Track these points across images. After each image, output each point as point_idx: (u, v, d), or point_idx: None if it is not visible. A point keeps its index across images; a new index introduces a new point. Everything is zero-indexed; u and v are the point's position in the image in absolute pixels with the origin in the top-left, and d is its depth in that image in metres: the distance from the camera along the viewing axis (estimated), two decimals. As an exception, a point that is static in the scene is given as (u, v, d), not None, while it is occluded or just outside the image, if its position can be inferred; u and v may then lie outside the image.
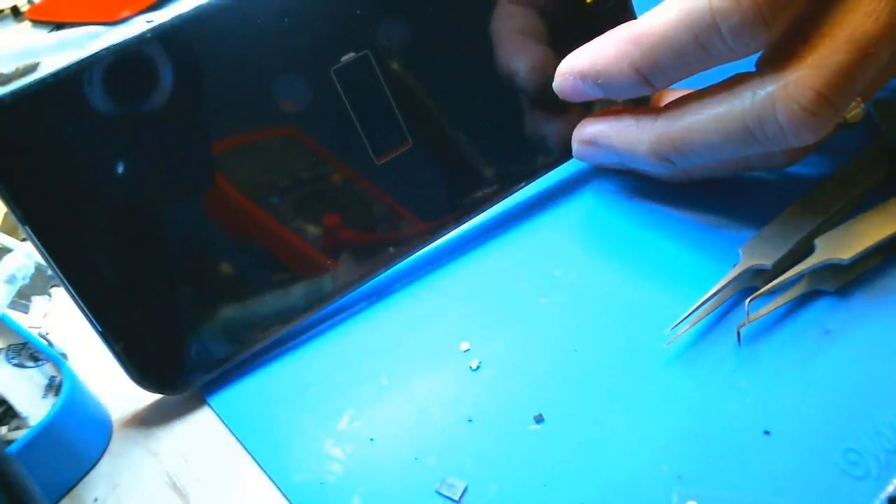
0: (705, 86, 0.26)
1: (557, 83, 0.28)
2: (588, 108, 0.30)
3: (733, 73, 0.25)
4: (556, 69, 0.28)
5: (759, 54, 0.25)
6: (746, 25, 0.22)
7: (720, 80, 0.26)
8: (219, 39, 0.25)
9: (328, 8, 0.26)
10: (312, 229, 0.27)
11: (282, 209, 0.27)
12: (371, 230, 0.28)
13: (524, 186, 0.31)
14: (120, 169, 0.24)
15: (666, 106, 0.27)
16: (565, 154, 0.31)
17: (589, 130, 0.29)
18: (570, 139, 0.30)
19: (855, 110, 0.27)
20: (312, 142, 0.27)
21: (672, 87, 0.29)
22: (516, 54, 0.29)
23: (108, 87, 0.24)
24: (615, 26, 0.26)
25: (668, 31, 0.24)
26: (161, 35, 0.24)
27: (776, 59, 0.23)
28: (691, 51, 0.24)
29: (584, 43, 0.27)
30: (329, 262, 0.28)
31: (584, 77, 0.27)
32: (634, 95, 0.27)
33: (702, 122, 0.25)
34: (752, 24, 0.22)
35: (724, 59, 0.24)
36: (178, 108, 0.25)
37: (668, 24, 0.24)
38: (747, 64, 0.25)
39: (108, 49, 0.24)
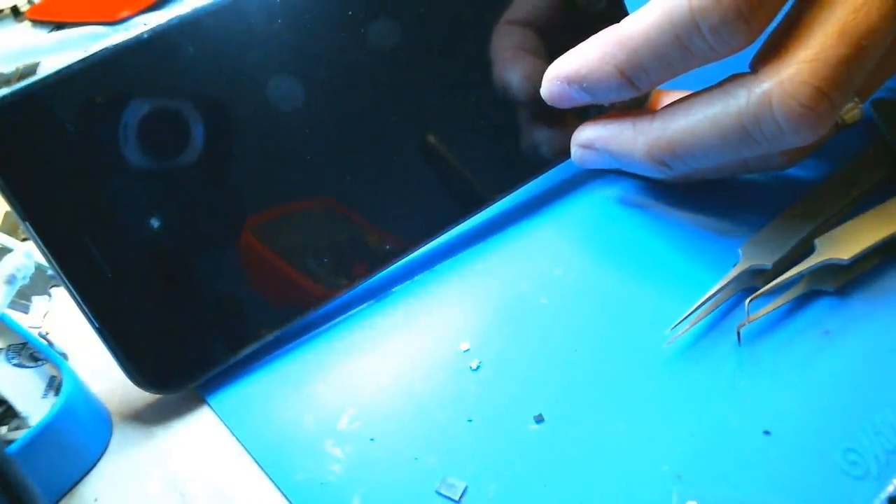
0: (701, 87, 0.26)
1: (545, 89, 0.28)
2: (584, 112, 0.30)
3: (728, 71, 0.25)
4: None
5: (751, 54, 0.24)
6: (726, 23, 0.22)
7: (716, 78, 0.25)
8: (215, 40, 0.25)
9: (321, 10, 0.26)
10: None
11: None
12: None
13: (520, 187, 0.31)
14: (121, 168, 0.24)
15: (662, 109, 0.27)
16: (561, 155, 0.31)
17: (587, 135, 0.29)
18: (567, 141, 0.30)
19: (853, 110, 0.27)
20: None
21: (669, 88, 0.29)
22: (511, 67, 0.29)
23: (109, 87, 0.24)
24: None
25: (651, 31, 0.24)
26: (159, 37, 0.24)
27: (770, 56, 0.23)
28: (673, 51, 0.24)
29: None
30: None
31: (569, 82, 0.27)
32: (620, 98, 0.26)
33: (697, 124, 0.25)
34: (732, 21, 0.22)
35: (706, 59, 0.24)
36: (179, 111, 0.25)
37: (651, 25, 0.24)
38: (742, 65, 0.25)
39: (107, 50, 0.24)
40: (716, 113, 0.24)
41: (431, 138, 0.29)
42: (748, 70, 0.24)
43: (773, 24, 0.24)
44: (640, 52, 0.24)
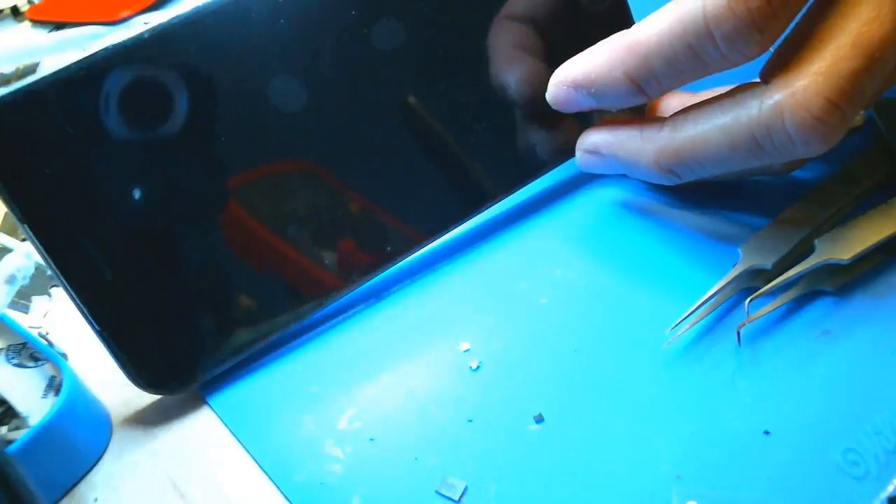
0: (710, 95, 0.26)
1: (551, 93, 0.28)
2: (587, 114, 0.30)
3: (736, 78, 0.25)
4: (548, 79, 0.28)
5: (760, 64, 0.24)
6: (740, 32, 0.22)
7: (724, 84, 0.25)
8: (216, 41, 0.25)
9: (324, 9, 0.26)
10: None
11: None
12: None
13: (521, 188, 0.31)
14: (121, 168, 0.24)
15: (671, 117, 0.26)
16: (562, 156, 0.31)
17: (593, 140, 0.29)
18: (568, 142, 0.30)
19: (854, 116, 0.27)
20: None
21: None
22: (508, 68, 0.29)
23: (108, 88, 0.24)
24: (611, 32, 0.26)
25: (662, 38, 0.24)
26: (159, 37, 0.24)
27: (781, 67, 0.23)
28: (685, 58, 0.23)
29: (580, 51, 0.27)
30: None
31: (577, 86, 0.26)
32: (628, 105, 0.26)
33: (707, 134, 0.25)
34: (746, 31, 0.22)
35: (717, 68, 0.24)
36: (180, 109, 0.25)
37: (662, 32, 0.23)
38: (751, 73, 0.25)
39: (106, 50, 0.24)
40: (726, 122, 0.24)
41: (432, 139, 0.29)
42: (757, 78, 0.24)
43: (784, 34, 0.24)
44: (651, 59, 0.24)
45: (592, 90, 0.26)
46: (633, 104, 0.26)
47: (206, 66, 0.25)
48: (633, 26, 0.25)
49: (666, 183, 0.28)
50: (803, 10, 0.24)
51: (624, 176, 0.31)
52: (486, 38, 0.29)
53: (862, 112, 0.27)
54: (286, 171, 0.27)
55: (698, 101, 0.26)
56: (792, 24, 0.24)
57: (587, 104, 0.27)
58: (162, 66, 0.24)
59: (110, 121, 0.24)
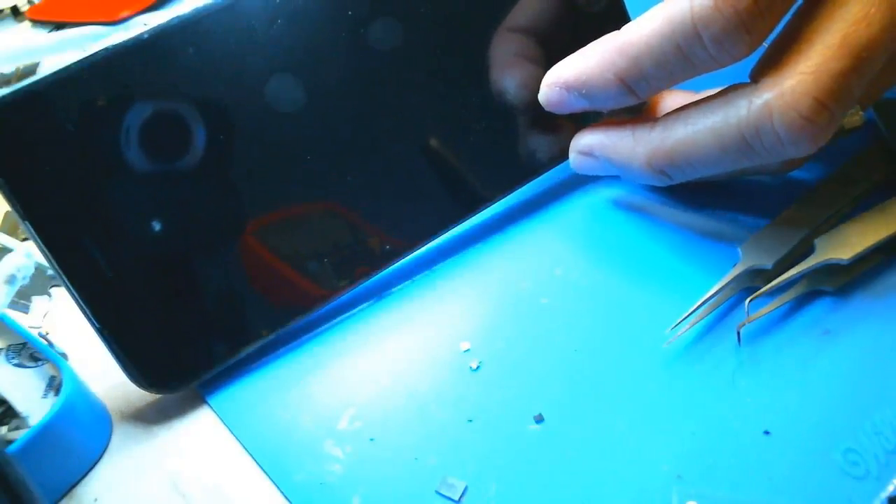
0: (701, 95, 0.26)
1: (543, 94, 0.28)
2: (583, 116, 0.30)
3: (729, 79, 0.25)
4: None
5: (750, 64, 0.24)
6: (727, 33, 0.22)
7: (725, 83, 0.25)
8: (216, 41, 0.25)
9: (322, 11, 0.26)
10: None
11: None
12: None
13: (520, 188, 0.31)
14: (122, 168, 0.24)
15: (662, 117, 0.26)
16: (559, 158, 0.31)
17: (586, 141, 0.29)
18: (564, 144, 0.30)
19: (853, 117, 0.27)
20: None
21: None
22: (509, 74, 0.29)
23: (110, 87, 0.24)
24: (608, 32, 0.26)
25: (651, 40, 0.24)
26: (159, 37, 0.24)
27: (770, 67, 0.23)
28: (674, 60, 0.24)
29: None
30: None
31: (569, 87, 0.27)
32: (619, 105, 0.26)
33: (697, 135, 0.25)
34: (733, 31, 0.22)
35: (706, 68, 0.24)
36: (179, 111, 0.25)
37: (652, 34, 0.24)
38: (742, 73, 0.25)
39: (106, 50, 0.24)
40: (715, 123, 0.24)
41: (431, 140, 0.29)
42: (748, 79, 0.24)
43: (774, 35, 0.24)
44: (641, 60, 0.24)
45: (583, 91, 0.26)
46: (626, 105, 0.26)
47: (206, 68, 0.25)
48: (624, 27, 0.25)
49: (658, 184, 0.28)
50: (792, 10, 0.24)
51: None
52: (488, 45, 0.29)
53: (862, 112, 0.27)
54: (284, 178, 0.27)
55: (695, 100, 0.26)
56: (781, 24, 0.24)
57: (579, 105, 0.27)
58: (161, 65, 0.24)
59: (111, 119, 0.24)
